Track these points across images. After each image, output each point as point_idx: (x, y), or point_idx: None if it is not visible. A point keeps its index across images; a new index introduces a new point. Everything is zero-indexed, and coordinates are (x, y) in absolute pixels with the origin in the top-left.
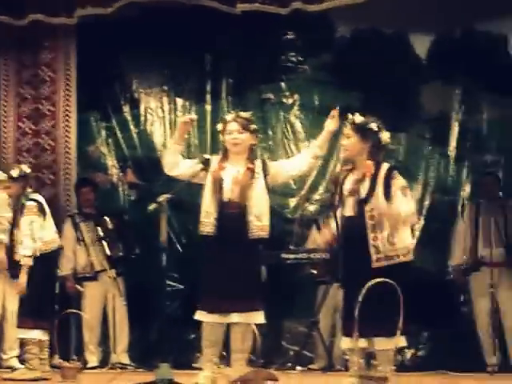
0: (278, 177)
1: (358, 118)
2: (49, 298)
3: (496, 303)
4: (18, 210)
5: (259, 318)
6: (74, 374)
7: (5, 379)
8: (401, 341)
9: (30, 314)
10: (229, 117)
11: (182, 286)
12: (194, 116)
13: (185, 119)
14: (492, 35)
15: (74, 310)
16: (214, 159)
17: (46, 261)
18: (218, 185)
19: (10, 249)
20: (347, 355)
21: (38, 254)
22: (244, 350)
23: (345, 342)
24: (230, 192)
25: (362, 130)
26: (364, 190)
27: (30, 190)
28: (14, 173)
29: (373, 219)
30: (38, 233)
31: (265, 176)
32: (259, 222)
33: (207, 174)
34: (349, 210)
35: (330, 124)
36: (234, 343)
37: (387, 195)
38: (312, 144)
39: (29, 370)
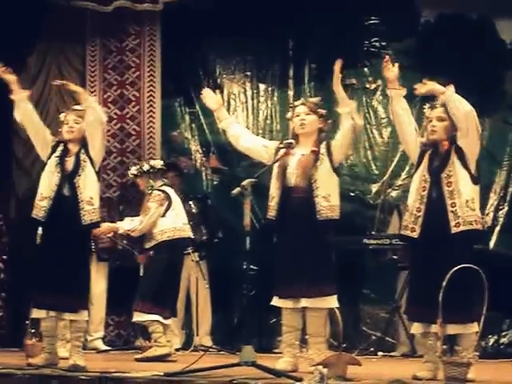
0: (338, 154)
1: None
2: (172, 285)
3: None
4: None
5: (331, 302)
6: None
7: (136, 359)
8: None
9: (151, 298)
10: (297, 102)
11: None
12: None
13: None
14: None
15: None
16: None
17: (171, 248)
18: (282, 170)
19: None
20: (430, 340)
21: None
22: (320, 334)
23: (416, 328)
24: (294, 176)
25: None
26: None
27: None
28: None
29: (450, 186)
30: (151, 219)
31: (330, 157)
32: (327, 202)
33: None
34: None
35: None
36: (310, 327)
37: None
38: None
39: (158, 347)
